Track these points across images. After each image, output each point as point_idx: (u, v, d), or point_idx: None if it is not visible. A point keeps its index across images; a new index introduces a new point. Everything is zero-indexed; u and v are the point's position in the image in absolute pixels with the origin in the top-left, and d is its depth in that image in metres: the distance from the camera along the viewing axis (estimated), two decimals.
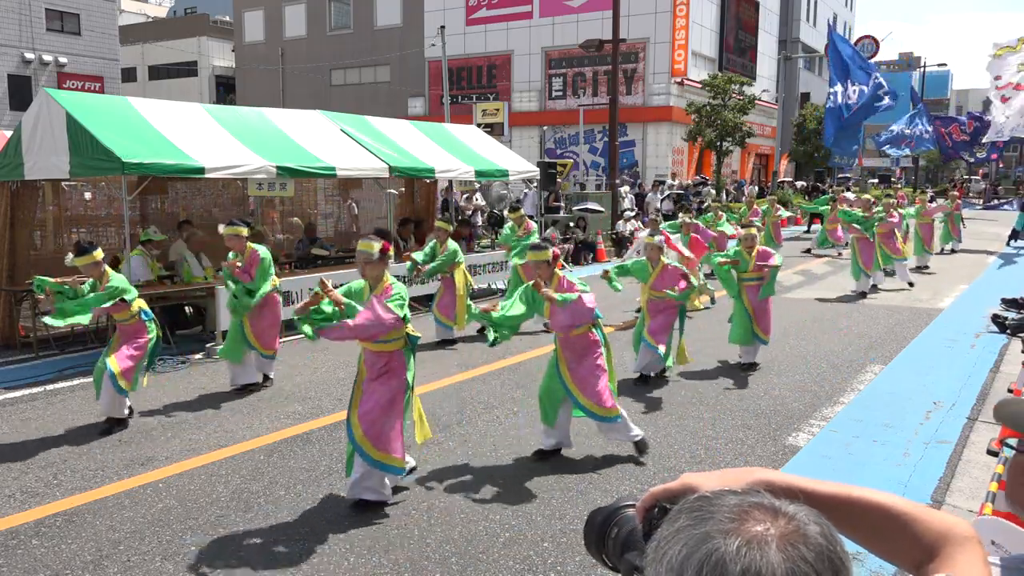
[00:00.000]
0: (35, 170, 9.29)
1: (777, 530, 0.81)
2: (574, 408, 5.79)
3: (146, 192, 11.09)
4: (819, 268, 17.04)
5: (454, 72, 36.07)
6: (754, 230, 8.78)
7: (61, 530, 4.77)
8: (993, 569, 1.09)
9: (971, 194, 43.81)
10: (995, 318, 10.38)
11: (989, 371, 8.35)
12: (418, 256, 9.78)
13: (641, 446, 5.88)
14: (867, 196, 14.25)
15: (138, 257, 9.86)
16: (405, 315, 4.98)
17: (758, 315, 8.48)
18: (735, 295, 8.62)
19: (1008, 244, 21.50)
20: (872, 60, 31.22)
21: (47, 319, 6.48)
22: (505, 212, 18.94)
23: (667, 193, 26.39)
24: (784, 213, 19.09)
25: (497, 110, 29.38)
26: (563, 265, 8.71)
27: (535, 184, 19.96)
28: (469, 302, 9.91)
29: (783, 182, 36.33)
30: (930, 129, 34.70)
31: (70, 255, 6.90)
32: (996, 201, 40.57)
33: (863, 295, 13.14)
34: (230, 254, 7.76)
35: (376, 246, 4.98)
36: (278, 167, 9.97)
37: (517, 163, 15.07)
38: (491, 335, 5.60)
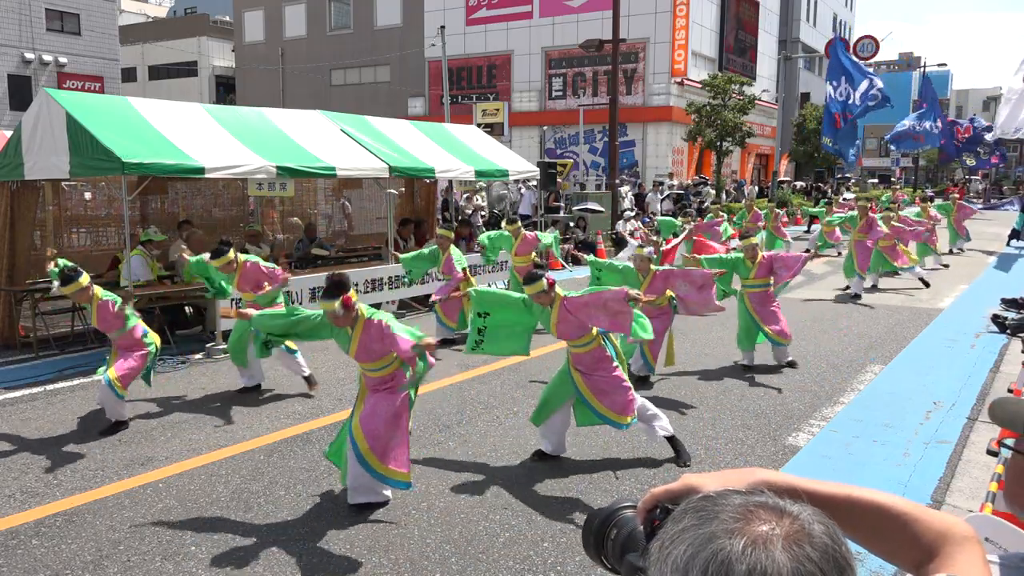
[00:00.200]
0: (35, 170, 9.29)
1: (782, 530, 0.82)
2: (592, 415, 5.70)
3: (146, 192, 11.09)
4: (819, 268, 17.03)
5: (454, 72, 36.08)
6: (755, 240, 8.79)
7: (61, 530, 4.77)
8: (992, 568, 1.09)
9: (971, 194, 43.82)
10: (995, 318, 10.38)
11: (989, 371, 8.35)
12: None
13: (679, 450, 5.81)
14: (862, 203, 14.10)
15: (138, 257, 9.86)
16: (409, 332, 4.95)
17: (764, 319, 8.47)
18: (738, 299, 8.63)
19: (1008, 244, 21.52)
20: (872, 60, 31.18)
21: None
22: (503, 221, 18.99)
23: (667, 193, 26.40)
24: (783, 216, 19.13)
25: (497, 110, 29.40)
26: (564, 265, 8.75)
27: (531, 184, 19.97)
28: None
29: (783, 182, 36.33)
30: (939, 125, 34.65)
31: (56, 284, 6.93)
32: (1000, 199, 40.51)
33: (858, 296, 13.12)
34: (229, 302, 7.66)
35: (336, 304, 4.76)
36: (278, 167, 9.97)
37: (517, 163, 15.07)
38: (477, 338, 5.68)
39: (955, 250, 19.53)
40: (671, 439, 5.80)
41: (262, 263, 7.68)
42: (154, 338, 6.91)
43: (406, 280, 10.40)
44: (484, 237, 11.56)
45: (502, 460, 5.87)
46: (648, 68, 33.97)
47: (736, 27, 38.85)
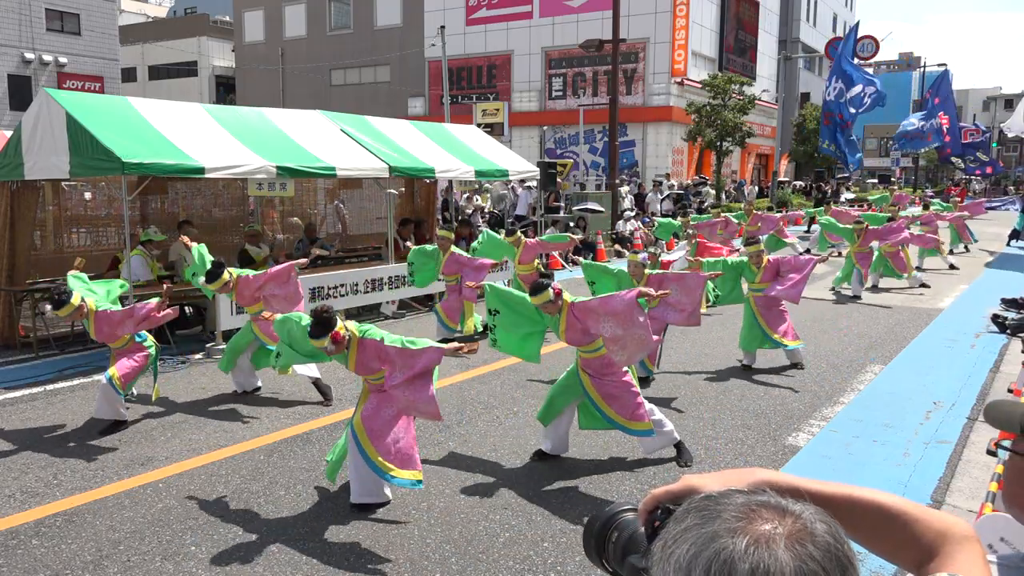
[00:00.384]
0: (35, 170, 9.29)
1: (785, 529, 0.82)
2: (600, 419, 5.68)
3: (146, 192, 11.09)
4: (819, 268, 16.99)
5: (454, 72, 36.08)
6: (761, 246, 8.78)
7: (61, 530, 4.77)
8: (991, 567, 1.09)
9: (970, 194, 43.82)
10: (995, 318, 10.39)
11: (989, 371, 8.35)
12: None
13: (680, 450, 5.79)
14: (856, 214, 13.96)
15: (138, 257, 9.87)
16: (406, 341, 4.96)
17: (770, 322, 8.45)
18: (745, 302, 8.62)
19: (1008, 244, 21.53)
20: (872, 60, 31.18)
21: None
22: (504, 223, 18.99)
23: (667, 193, 26.40)
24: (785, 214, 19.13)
25: (497, 110, 29.40)
26: (564, 265, 8.74)
27: (528, 185, 19.95)
28: (476, 316, 9.96)
29: (782, 182, 36.34)
30: (947, 122, 34.62)
31: (48, 308, 6.94)
32: (1005, 197, 40.45)
33: (857, 297, 13.10)
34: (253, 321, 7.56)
35: (326, 342, 4.79)
36: (278, 167, 9.97)
37: (517, 163, 15.07)
38: (492, 335, 5.64)
39: (955, 250, 19.53)
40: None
41: (252, 274, 7.61)
42: (152, 342, 6.95)
43: (409, 280, 10.38)
44: (475, 243, 11.47)
45: (502, 460, 5.87)
46: (648, 68, 33.97)
47: (736, 27, 38.85)
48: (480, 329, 9.70)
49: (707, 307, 11.66)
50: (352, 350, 4.95)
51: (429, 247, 10.08)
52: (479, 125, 23.19)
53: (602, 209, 20.79)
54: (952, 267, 16.72)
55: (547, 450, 5.85)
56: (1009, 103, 69.83)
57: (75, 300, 6.44)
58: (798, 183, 39.53)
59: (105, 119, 9.07)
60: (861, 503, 1.05)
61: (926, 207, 20.00)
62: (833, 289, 13.58)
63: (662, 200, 25.68)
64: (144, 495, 5.27)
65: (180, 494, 5.28)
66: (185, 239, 8.77)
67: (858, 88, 26.56)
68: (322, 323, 4.81)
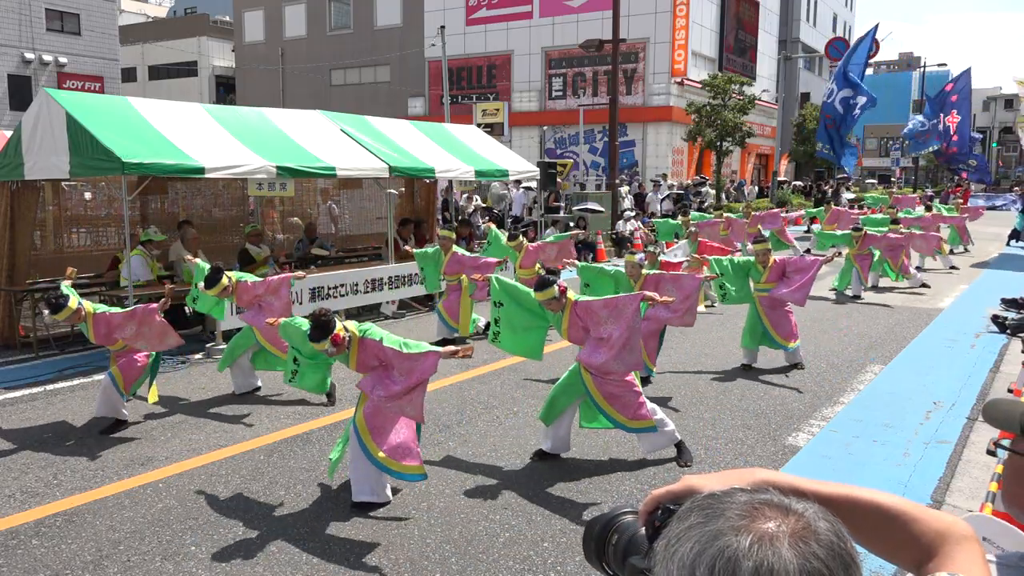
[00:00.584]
0: (35, 170, 9.29)
1: (788, 527, 0.82)
2: (601, 418, 5.68)
3: (146, 192, 11.09)
4: (821, 268, 17.01)
5: (454, 72, 36.08)
6: (768, 244, 8.78)
7: (61, 530, 4.77)
8: (990, 567, 1.09)
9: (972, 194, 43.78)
10: (995, 318, 10.39)
11: (989, 371, 8.35)
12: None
13: (681, 449, 5.79)
14: (856, 233, 13.77)
15: (138, 257, 9.87)
16: (404, 343, 4.97)
17: (774, 323, 8.45)
18: (750, 301, 8.62)
19: (1008, 244, 21.53)
20: (872, 60, 31.19)
21: None
22: (507, 223, 19.00)
23: (667, 193, 26.40)
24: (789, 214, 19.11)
25: (497, 110, 29.39)
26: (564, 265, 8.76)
27: (524, 185, 19.95)
28: (475, 315, 9.97)
29: (782, 182, 36.34)
30: (954, 123, 34.59)
31: (46, 312, 6.93)
32: (1008, 195, 40.36)
33: (857, 297, 13.10)
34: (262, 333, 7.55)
35: (326, 344, 4.82)
36: (278, 167, 9.97)
37: (517, 163, 15.07)
38: (495, 328, 5.67)
39: (955, 251, 19.52)
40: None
41: (250, 279, 7.61)
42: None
43: (425, 286, 10.53)
44: (486, 243, 11.56)
45: (502, 460, 5.87)
46: (648, 68, 33.97)
47: (736, 27, 38.84)
48: (482, 328, 9.72)
49: (708, 306, 11.77)
50: (353, 350, 4.97)
51: (430, 249, 10.09)
52: (479, 125, 23.18)
53: (602, 209, 20.79)
54: (952, 267, 16.74)
55: (548, 450, 5.85)
56: (1009, 103, 69.82)
57: (72, 304, 6.43)
58: (798, 183, 39.51)
59: (105, 119, 9.07)
60: (861, 503, 1.05)
61: (928, 208, 19.99)
62: (833, 289, 13.58)
63: (662, 200, 25.68)
64: (144, 495, 5.27)
65: (180, 494, 5.28)
66: (187, 256, 8.80)
67: (847, 92, 26.69)
68: (321, 326, 4.82)
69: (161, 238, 10.52)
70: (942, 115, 34.82)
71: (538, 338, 5.90)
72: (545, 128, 31.41)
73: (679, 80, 33.71)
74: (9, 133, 11.60)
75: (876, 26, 28.60)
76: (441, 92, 31.40)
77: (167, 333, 6.61)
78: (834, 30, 52.18)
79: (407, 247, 12.15)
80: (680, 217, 17.19)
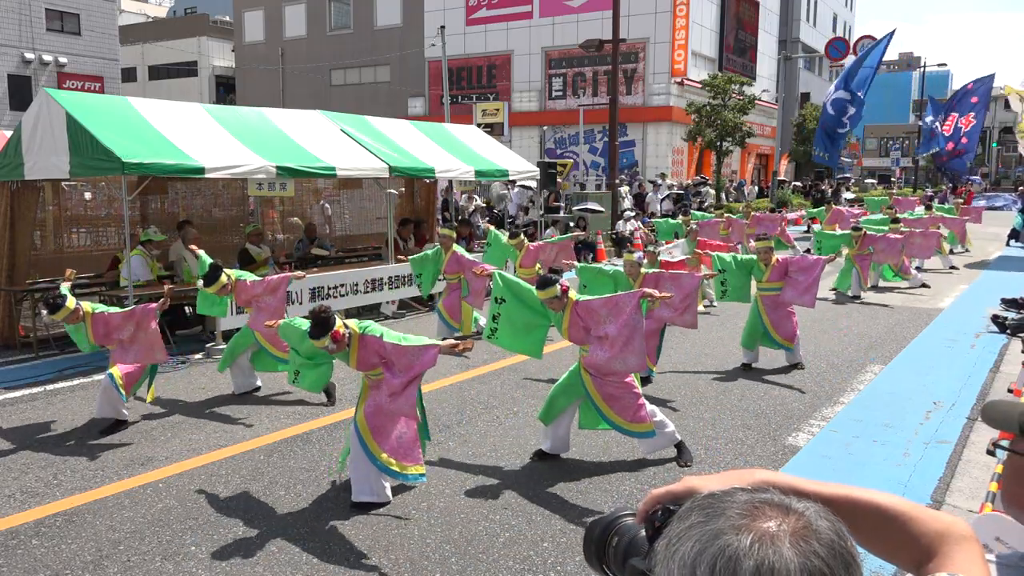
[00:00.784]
0: (35, 170, 9.29)
1: (789, 526, 0.82)
2: (600, 419, 5.69)
3: (146, 192, 11.09)
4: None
5: (454, 72, 36.07)
6: (771, 242, 8.77)
7: (61, 530, 4.77)
8: (990, 567, 1.09)
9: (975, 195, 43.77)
10: (995, 318, 10.39)
11: (989, 371, 8.35)
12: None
13: (681, 449, 5.79)
14: (856, 213, 13.82)
15: (138, 257, 9.86)
16: (403, 337, 4.97)
17: (775, 323, 8.44)
18: (753, 300, 8.62)
19: (1008, 244, 21.53)
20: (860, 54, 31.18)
21: None
22: (506, 221, 19.00)
23: (667, 193, 26.40)
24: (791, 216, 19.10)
25: (497, 110, 29.38)
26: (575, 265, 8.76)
27: (520, 185, 19.93)
28: (476, 314, 9.97)
29: (782, 182, 36.33)
30: (966, 126, 34.60)
31: (44, 312, 6.93)
32: (1008, 195, 40.38)
33: (857, 297, 13.10)
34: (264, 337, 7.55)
35: (326, 341, 4.84)
36: (278, 167, 9.97)
37: (517, 163, 15.07)
38: (493, 324, 5.68)
39: (955, 251, 19.51)
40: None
41: (249, 278, 7.61)
42: None
43: (420, 290, 10.45)
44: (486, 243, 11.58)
45: (502, 460, 5.87)
46: (648, 68, 33.97)
47: (736, 27, 38.84)
48: (481, 327, 9.72)
49: (706, 306, 11.77)
50: (353, 347, 4.96)
51: (430, 250, 10.08)
52: (479, 125, 23.17)
53: (602, 209, 20.78)
54: (952, 267, 16.75)
55: (547, 450, 5.85)
56: (1006, 103, 69.81)
57: (70, 304, 6.43)
58: (798, 183, 39.50)
59: (105, 119, 9.07)
60: (860, 504, 1.05)
61: (928, 208, 19.97)
62: (834, 289, 13.58)
63: (662, 200, 25.68)
64: (144, 495, 5.27)
65: (180, 494, 5.28)
66: (194, 248, 8.76)
67: (841, 93, 26.74)
68: (321, 323, 4.83)
69: (161, 238, 10.52)
70: (956, 115, 34.75)
71: (539, 336, 5.90)
72: (545, 128, 31.40)
73: (679, 80, 33.71)
74: (9, 133, 11.60)
75: (892, 32, 28.65)
76: (441, 92, 31.40)
77: (155, 346, 6.58)
78: (834, 30, 52.17)
79: (408, 246, 12.15)
80: (681, 217, 17.19)
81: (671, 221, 17.61)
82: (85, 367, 8.70)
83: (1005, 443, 1.48)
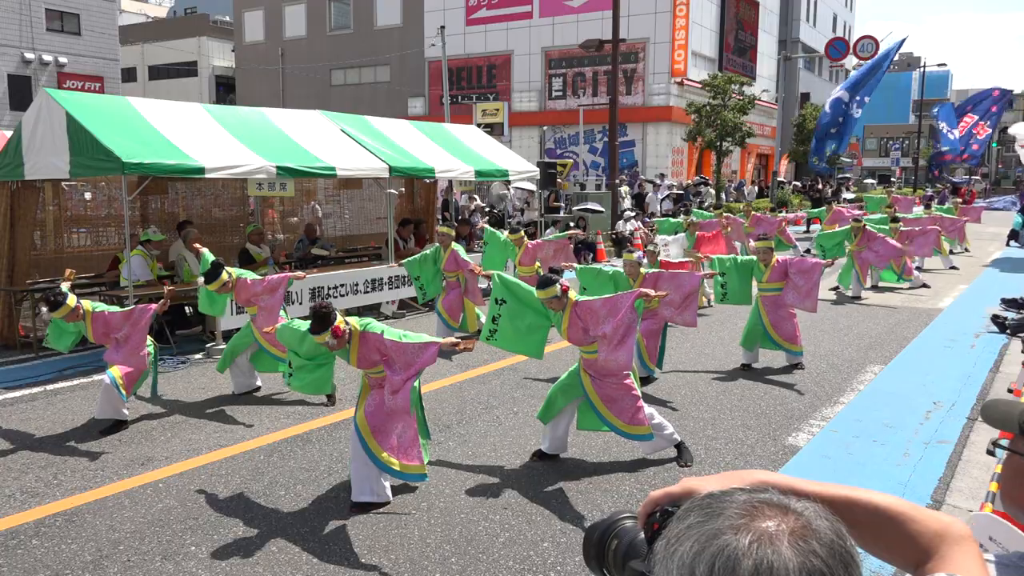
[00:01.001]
0: (35, 170, 9.29)
1: (787, 526, 0.82)
2: (598, 420, 5.68)
3: (146, 192, 11.09)
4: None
5: (454, 72, 36.07)
6: (771, 243, 8.77)
7: (61, 530, 4.77)
8: (989, 567, 1.09)
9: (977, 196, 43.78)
10: (995, 318, 10.38)
11: (989, 371, 8.35)
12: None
13: (681, 450, 5.78)
14: (855, 225, 13.71)
15: (138, 257, 9.87)
16: (402, 334, 4.98)
17: (775, 323, 8.44)
18: (749, 304, 8.61)
19: (1008, 244, 21.52)
20: (871, 60, 31.21)
21: None
22: (506, 221, 18.98)
23: (667, 193, 26.40)
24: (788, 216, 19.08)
25: (497, 110, 29.36)
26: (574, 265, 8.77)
27: (517, 184, 19.91)
28: (478, 311, 9.96)
29: (782, 182, 36.32)
30: (981, 133, 34.66)
31: (44, 309, 6.93)
32: (1007, 197, 40.39)
33: (857, 297, 13.11)
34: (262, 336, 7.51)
35: (327, 336, 4.85)
36: (278, 167, 9.97)
37: (517, 163, 15.07)
38: (492, 325, 5.67)
39: (954, 251, 19.49)
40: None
41: (250, 277, 7.61)
42: (150, 342, 6.94)
43: (420, 294, 10.25)
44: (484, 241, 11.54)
45: (502, 460, 5.87)
46: (648, 68, 33.96)
47: (736, 27, 38.83)
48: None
49: (704, 306, 11.77)
50: (354, 344, 4.96)
51: (429, 250, 10.08)
52: (479, 125, 23.16)
53: (602, 209, 20.78)
54: (952, 267, 16.74)
55: (546, 449, 5.85)
56: (1009, 103, 69.76)
57: (71, 301, 6.44)
58: (797, 183, 39.50)
59: (105, 119, 9.07)
60: (858, 504, 1.06)
61: (927, 207, 19.95)
62: (834, 289, 13.58)
63: (662, 200, 25.68)
64: (144, 495, 5.28)
65: (180, 494, 5.28)
66: (197, 246, 8.74)
67: (842, 93, 26.76)
68: (321, 318, 4.83)
69: (161, 238, 10.52)
70: (975, 116, 34.74)
71: (540, 337, 5.90)
72: (545, 128, 31.40)
73: (679, 80, 33.70)
74: (9, 133, 11.60)
75: (903, 39, 28.65)
76: (441, 92, 31.40)
77: (139, 350, 6.56)
78: (834, 30, 52.16)
79: (409, 249, 12.15)
80: (683, 217, 17.19)
81: (672, 220, 17.61)
82: (85, 367, 8.70)
83: (1005, 443, 1.48)
